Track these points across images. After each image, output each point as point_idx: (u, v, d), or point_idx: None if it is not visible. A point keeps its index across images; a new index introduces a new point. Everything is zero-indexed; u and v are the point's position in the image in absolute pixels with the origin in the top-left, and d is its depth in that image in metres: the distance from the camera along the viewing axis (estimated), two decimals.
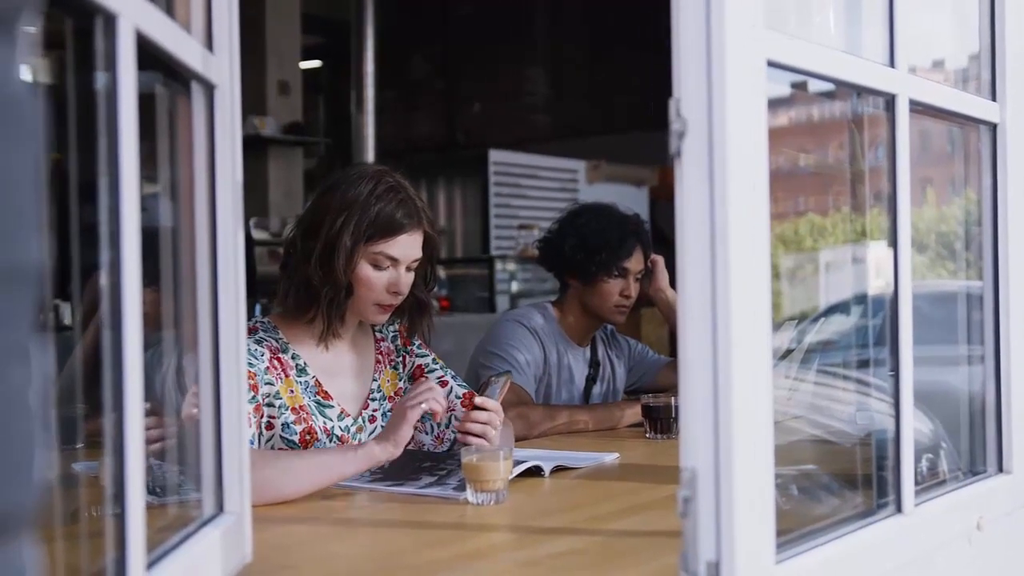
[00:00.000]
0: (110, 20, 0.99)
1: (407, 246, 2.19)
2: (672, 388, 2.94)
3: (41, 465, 0.60)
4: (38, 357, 0.60)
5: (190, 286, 1.36)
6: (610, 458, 2.34)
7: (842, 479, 1.74)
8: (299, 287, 2.19)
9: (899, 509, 1.51)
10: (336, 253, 2.14)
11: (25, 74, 0.62)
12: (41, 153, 0.62)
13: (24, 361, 0.59)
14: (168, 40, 1.15)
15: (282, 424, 2.14)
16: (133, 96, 1.02)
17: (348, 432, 2.24)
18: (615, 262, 2.97)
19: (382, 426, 2.29)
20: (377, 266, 2.18)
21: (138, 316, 1.02)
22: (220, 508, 1.37)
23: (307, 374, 2.22)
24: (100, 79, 1.01)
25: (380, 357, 2.37)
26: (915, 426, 1.57)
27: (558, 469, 2.17)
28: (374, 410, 2.32)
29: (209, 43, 1.35)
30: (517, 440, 2.64)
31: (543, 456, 2.20)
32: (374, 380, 2.34)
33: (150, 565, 1.09)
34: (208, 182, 1.35)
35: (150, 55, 1.10)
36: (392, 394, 2.35)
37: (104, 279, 1.00)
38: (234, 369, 1.39)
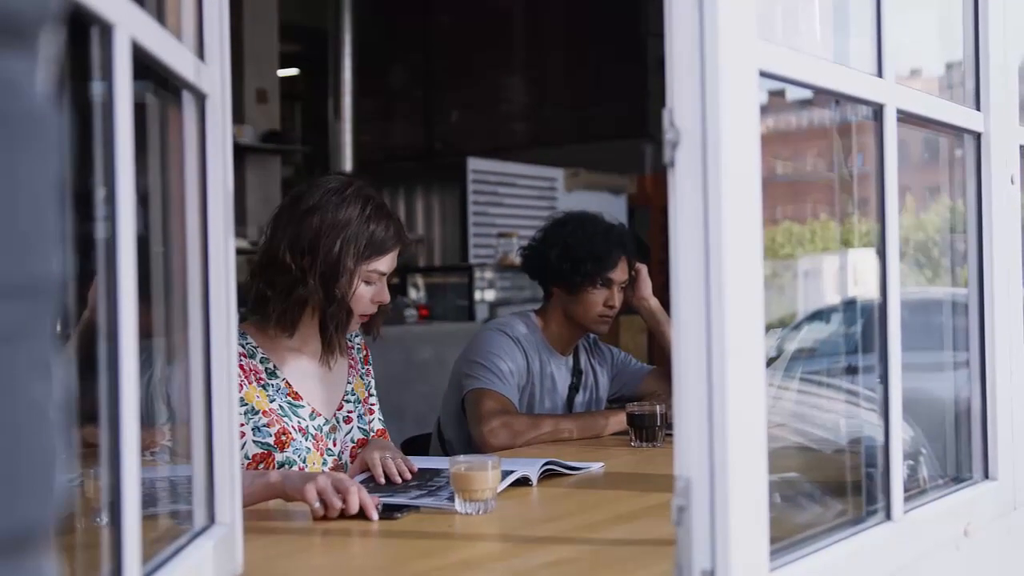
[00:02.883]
0: (106, 30, 0.99)
1: (393, 260, 2.30)
2: (655, 396, 2.95)
3: (61, 479, 0.60)
4: (58, 370, 0.60)
5: (180, 295, 1.36)
6: (596, 467, 2.34)
7: (829, 487, 1.74)
8: (296, 306, 2.23)
9: (888, 516, 1.52)
10: (340, 276, 2.21)
11: (45, 86, 0.62)
12: (61, 165, 0.62)
13: (46, 375, 0.58)
14: (162, 50, 1.15)
15: (253, 428, 2.18)
16: (129, 105, 1.02)
17: (322, 431, 2.28)
18: (600, 273, 2.96)
19: (358, 427, 2.37)
20: (368, 282, 2.26)
21: (133, 325, 1.02)
22: (212, 519, 1.36)
23: (277, 377, 2.26)
24: (95, 88, 1.01)
25: (352, 363, 2.43)
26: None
27: (547, 474, 2.17)
28: (349, 411, 2.37)
29: (200, 52, 1.34)
30: (502, 449, 2.64)
31: (529, 464, 2.19)
32: (348, 383, 2.39)
33: None
34: (199, 191, 1.35)
35: (142, 64, 1.10)
36: (363, 399, 2.42)
37: (100, 289, 1.00)
38: (225, 379, 1.38)
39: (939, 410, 1.97)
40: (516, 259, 3.22)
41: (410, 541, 1.72)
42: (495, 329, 3.02)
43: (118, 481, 1.00)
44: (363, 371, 2.46)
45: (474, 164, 8.11)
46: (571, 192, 8.34)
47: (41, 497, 0.58)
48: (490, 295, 7.41)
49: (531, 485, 2.11)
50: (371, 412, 2.45)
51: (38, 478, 0.57)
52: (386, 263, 2.27)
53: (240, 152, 7.24)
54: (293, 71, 9.66)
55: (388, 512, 1.84)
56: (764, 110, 1.51)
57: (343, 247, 2.20)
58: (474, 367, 2.90)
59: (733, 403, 1.17)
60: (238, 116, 7.22)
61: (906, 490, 1.58)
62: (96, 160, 1.01)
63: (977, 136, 1.83)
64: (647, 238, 7.00)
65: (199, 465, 1.36)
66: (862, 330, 1.80)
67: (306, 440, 2.23)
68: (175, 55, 1.21)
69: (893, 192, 1.54)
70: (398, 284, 7.20)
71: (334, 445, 2.31)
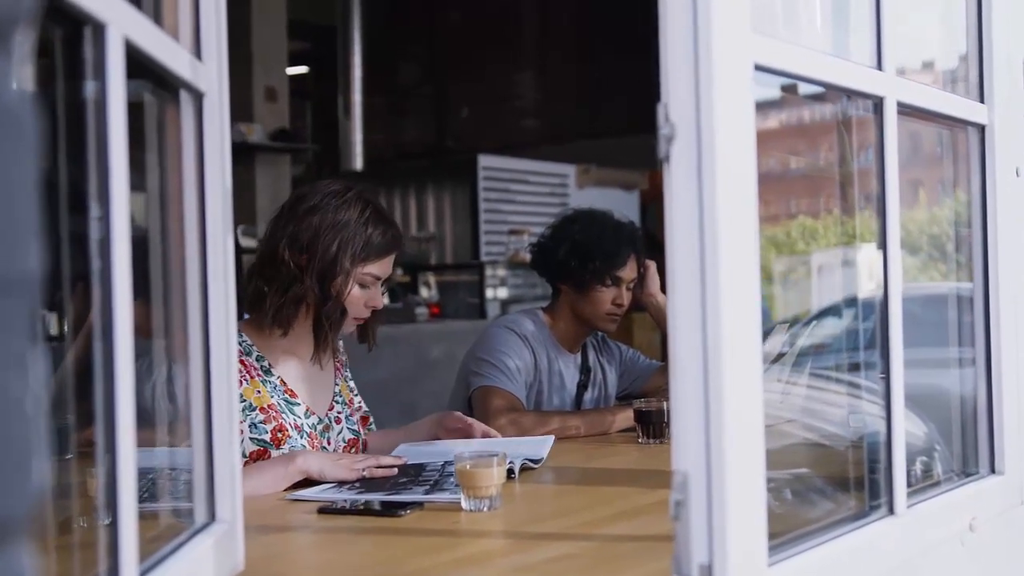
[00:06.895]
0: (99, 29, 0.99)
1: (388, 265, 2.34)
2: (663, 393, 2.94)
3: (39, 473, 0.60)
4: (35, 366, 0.61)
5: (179, 295, 1.36)
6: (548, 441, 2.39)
7: (835, 481, 1.74)
8: (292, 303, 2.26)
9: (891, 511, 1.52)
10: (335, 275, 2.25)
11: (21, 84, 0.62)
12: (38, 162, 0.63)
13: (22, 370, 0.59)
14: (157, 49, 1.15)
15: (250, 425, 2.21)
16: (122, 105, 1.02)
17: (315, 430, 2.33)
18: (609, 271, 2.96)
19: (348, 428, 2.42)
20: (363, 285, 2.30)
21: (128, 325, 1.02)
22: (212, 516, 1.37)
23: (273, 375, 2.30)
24: (89, 88, 1.01)
25: (338, 366, 2.48)
26: (909, 429, 1.57)
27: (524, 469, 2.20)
28: (338, 412, 2.42)
29: (197, 51, 1.35)
30: None
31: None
32: (336, 384, 2.45)
33: (143, 574, 1.08)
34: (197, 191, 1.35)
35: (138, 63, 1.10)
36: (348, 400, 2.48)
37: (95, 289, 1.00)
38: (225, 377, 1.38)
39: (946, 405, 1.97)
40: (527, 256, 3.21)
41: (413, 538, 1.72)
42: (503, 326, 3.02)
43: (114, 479, 1.00)
44: (346, 375, 2.52)
45: (485, 161, 8.12)
46: (583, 188, 8.34)
47: (18, 490, 0.58)
48: (502, 293, 7.41)
49: (514, 478, 2.10)
50: (357, 411, 2.49)
51: (14, 471, 0.58)
52: (380, 267, 2.31)
53: (250, 151, 7.25)
54: (302, 69, 9.66)
55: (392, 509, 1.84)
56: (777, 105, 1.51)
57: (340, 247, 2.24)
58: (481, 364, 2.90)
59: (730, 397, 1.16)
60: (247, 115, 7.24)
61: (917, 485, 1.57)
62: (90, 160, 1.01)
63: (981, 128, 1.82)
64: (659, 234, 6.99)
65: (199, 462, 1.36)
66: (872, 325, 1.80)
67: (301, 438, 2.27)
68: (170, 54, 1.21)
69: (894, 186, 1.53)
70: (409, 282, 7.21)
71: (328, 444, 2.36)
